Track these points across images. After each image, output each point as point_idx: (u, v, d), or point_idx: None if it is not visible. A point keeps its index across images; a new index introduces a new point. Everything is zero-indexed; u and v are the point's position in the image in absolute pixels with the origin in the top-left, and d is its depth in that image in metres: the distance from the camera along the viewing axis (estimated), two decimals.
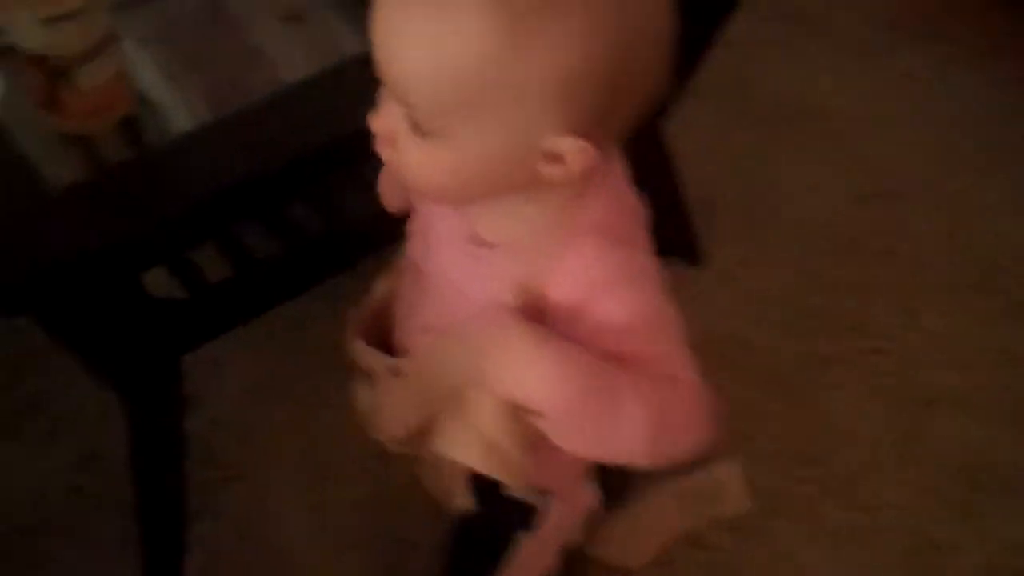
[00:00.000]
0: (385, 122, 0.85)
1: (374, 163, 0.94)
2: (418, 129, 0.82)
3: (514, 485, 0.94)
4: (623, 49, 0.78)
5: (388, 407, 1.05)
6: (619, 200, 0.90)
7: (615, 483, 1.24)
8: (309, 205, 1.53)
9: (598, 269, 0.86)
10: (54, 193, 1.13)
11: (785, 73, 2.02)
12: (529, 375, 0.83)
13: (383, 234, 1.37)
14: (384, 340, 1.09)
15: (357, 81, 0.93)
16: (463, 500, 1.09)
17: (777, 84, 2.00)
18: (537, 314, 0.88)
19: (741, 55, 1.89)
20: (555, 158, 0.81)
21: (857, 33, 2.10)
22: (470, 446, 0.91)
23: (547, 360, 0.83)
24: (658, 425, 0.84)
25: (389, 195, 1.08)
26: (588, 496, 1.17)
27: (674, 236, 1.75)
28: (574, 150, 0.80)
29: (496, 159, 0.82)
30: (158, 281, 1.36)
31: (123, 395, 1.34)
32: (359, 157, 0.97)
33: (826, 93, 2.00)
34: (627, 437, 0.84)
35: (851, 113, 1.96)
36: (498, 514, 1.10)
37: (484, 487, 1.03)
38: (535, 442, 0.90)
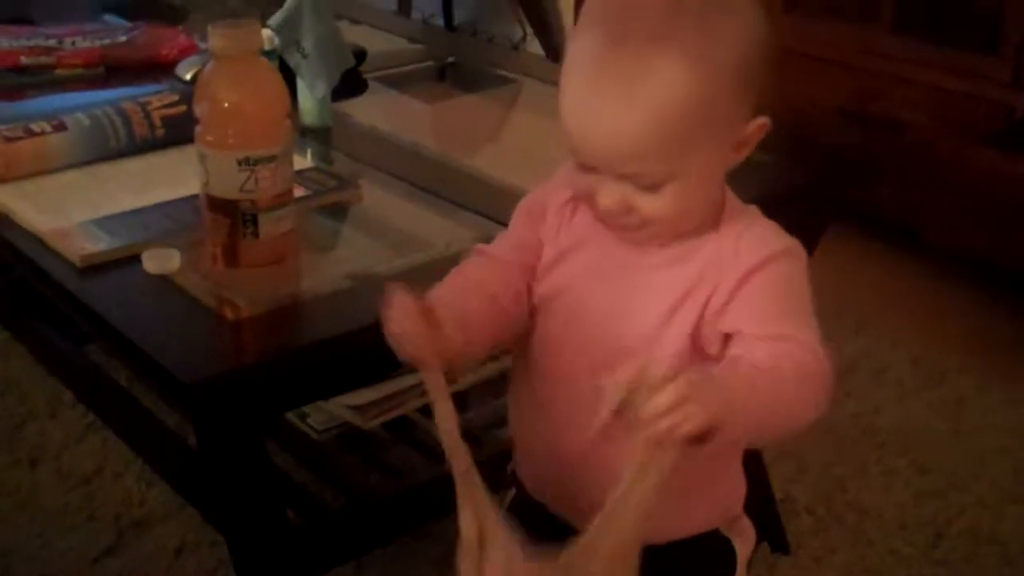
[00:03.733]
0: (611, 197, 0.89)
1: None
2: (651, 187, 0.88)
3: None
4: (762, 28, 0.89)
5: None
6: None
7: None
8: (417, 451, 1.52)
9: (774, 238, 0.93)
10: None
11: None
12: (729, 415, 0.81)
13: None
14: None
15: None
16: None
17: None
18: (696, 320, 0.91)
19: None
20: (744, 143, 0.91)
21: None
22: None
23: (728, 392, 0.82)
24: (808, 382, 0.87)
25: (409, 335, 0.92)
26: (752, 531, 1.09)
27: (764, 523, 1.73)
28: (756, 128, 0.91)
29: (715, 168, 0.91)
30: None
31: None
32: None
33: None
34: (797, 414, 0.88)
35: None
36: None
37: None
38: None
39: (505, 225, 1.33)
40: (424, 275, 1.25)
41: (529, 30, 3.55)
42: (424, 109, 2.00)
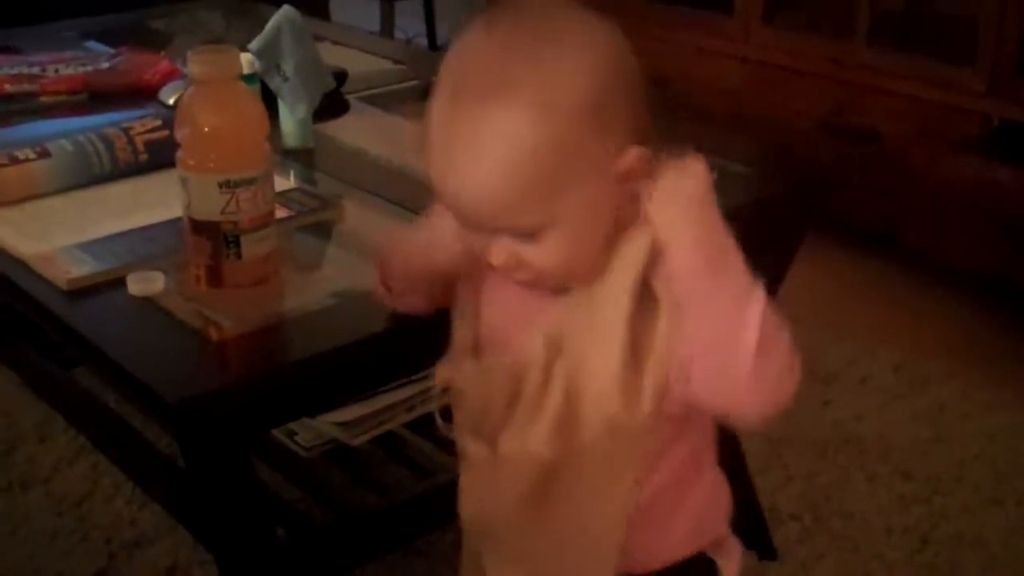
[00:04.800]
0: (500, 256, 0.90)
1: None
2: (530, 238, 0.88)
3: None
4: (613, 59, 0.88)
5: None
6: None
7: None
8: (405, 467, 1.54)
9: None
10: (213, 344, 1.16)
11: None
12: (685, 220, 0.87)
13: None
14: None
15: None
16: None
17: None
18: None
19: None
20: (627, 175, 0.88)
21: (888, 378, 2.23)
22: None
23: (704, 217, 0.87)
24: (770, 342, 0.86)
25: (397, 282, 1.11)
26: (739, 548, 1.10)
27: (751, 531, 1.74)
28: (634, 158, 0.88)
29: (598, 206, 0.89)
30: None
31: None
32: None
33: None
34: (744, 341, 0.85)
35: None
36: None
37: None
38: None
39: None
40: None
41: None
42: (407, 128, 2.02)
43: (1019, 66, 2.21)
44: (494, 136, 0.85)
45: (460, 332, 1.02)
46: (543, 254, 0.89)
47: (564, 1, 0.93)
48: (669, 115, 2.77)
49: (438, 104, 0.89)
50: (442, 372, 1.04)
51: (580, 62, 0.86)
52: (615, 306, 0.90)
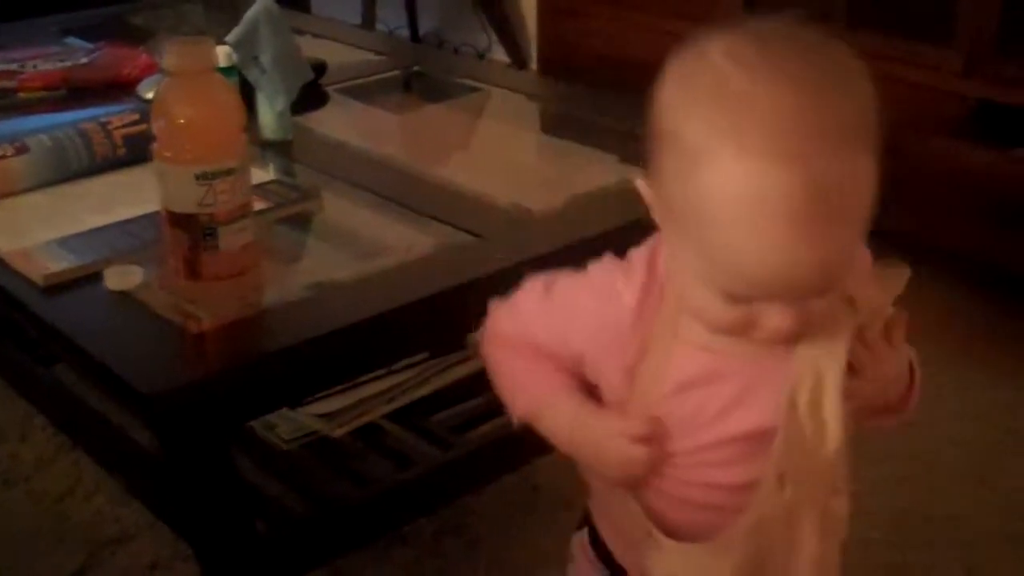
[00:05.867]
0: (792, 319, 0.77)
1: None
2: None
3: None
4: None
5: None
6: None
7: None
8: (387, 457, 1.54)
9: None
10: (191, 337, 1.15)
11: None
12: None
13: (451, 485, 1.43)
14: None
15: None
16: None
17: None
18: None
19: None
20: None
21: None
22: None
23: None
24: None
25: None
26: None
27: None
28: None
29: None
30: None
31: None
32: None
33: None
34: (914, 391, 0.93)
35: None
36: None
37: None
38: None
39: (467, 231, 1.37)
40: (386, 281, 1.28)
41: (494, 39, 3.57)
42: (387, 119, 2.02)
43: (997, 46, 2.21)
44: (855, 193, 0.74)
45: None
46: (824, 302, 0.78)
47: (793, 20, 0.80)
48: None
49: (728, 172, 0.72)
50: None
51: (870, 90, 0.76)
52: (837, 359, 0.84)
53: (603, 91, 2.42)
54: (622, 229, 1.41)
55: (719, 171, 0.72)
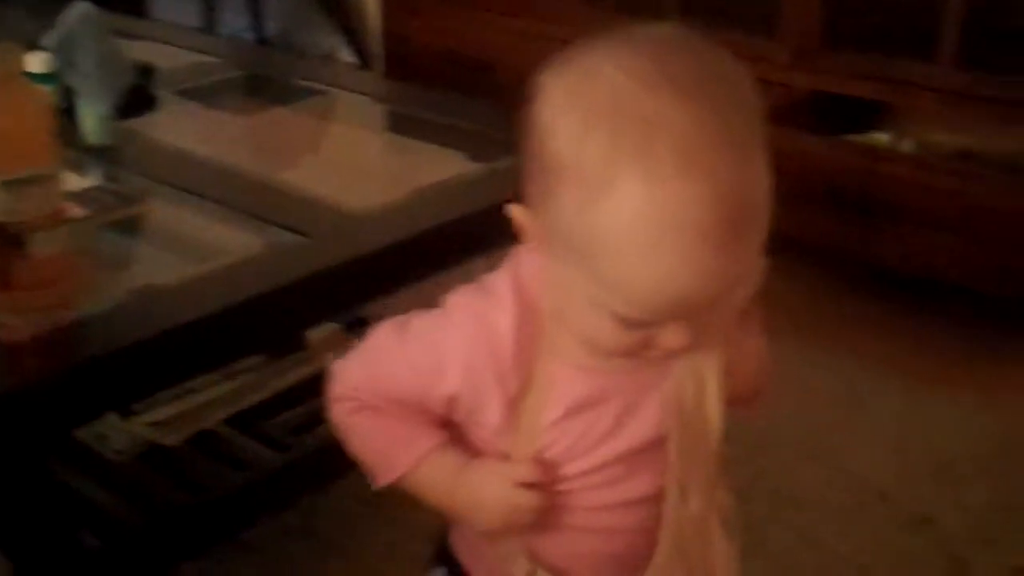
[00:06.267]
0: (686, 336, 0.75)
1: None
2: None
3: None
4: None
5: None
6: None
7: None
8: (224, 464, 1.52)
9: None
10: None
11: None
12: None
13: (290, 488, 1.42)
14: None
15: None
16: None
17: None
18: None
19: None
20: None
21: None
22: None
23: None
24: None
25: None
26: None
27: None
28: None
29: None
30: None
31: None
32: None
33: None
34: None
35: None
36: None
37: None
38: None
39: (295, 231, 1.36)
40: (209, 284, 1.27)
41: (342, 40, 3.55)
42: (223, 122, 1.99)
43: (822, 37, 2.28)
44: (760, 200, 0.72)
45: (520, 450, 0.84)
46: (718, 321, 0.76)
47: (676, 25, 0.76)
48: (496, 100, 2.79)
49: (638, 196, 0.68)
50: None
51: (755, 93, 0.74)
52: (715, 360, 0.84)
53: (446, 90, 2.43)
54: (454, 223, 1.43)
55: (628, 197, 0.68)
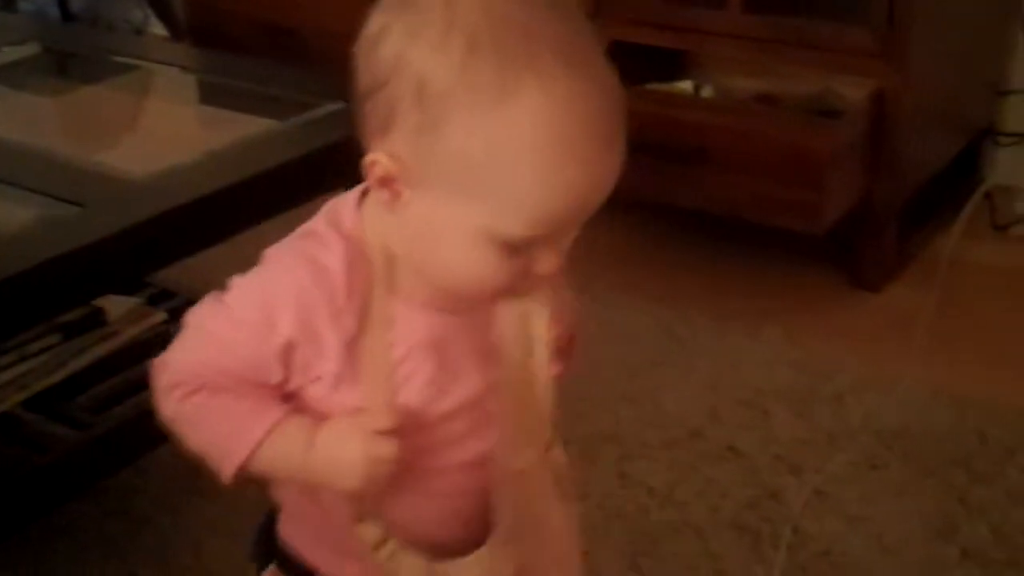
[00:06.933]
0: (559, 259, 0.78)
1: None
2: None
3: None
4: None
5: None
6: None
7: None
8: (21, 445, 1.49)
9: None
10: None
11: None
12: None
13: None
14: None
15: None
16: None
17: None
18: None
19: None
20: None
21: None
22: None
23: None
24: None
25: None
26: None
27: None
28: None
29: None
30: None
31: None
32: None
33: None
34: None
35: None
36: None
37: None
38: None
39: (69, 201, 1.32)
40: None
41: (151, 12, 3.46)
42: (12, 98, 1.93)
43: None
44: (623, 102, 0.75)
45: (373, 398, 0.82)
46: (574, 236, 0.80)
47: None
48: (301, 62, 2.75)
49: (537, 102, 0.71)
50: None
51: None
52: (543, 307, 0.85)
53: (253, 57, 2.40)
54: (243, 184, 1.40)
55: (526, 103, 0.71)
